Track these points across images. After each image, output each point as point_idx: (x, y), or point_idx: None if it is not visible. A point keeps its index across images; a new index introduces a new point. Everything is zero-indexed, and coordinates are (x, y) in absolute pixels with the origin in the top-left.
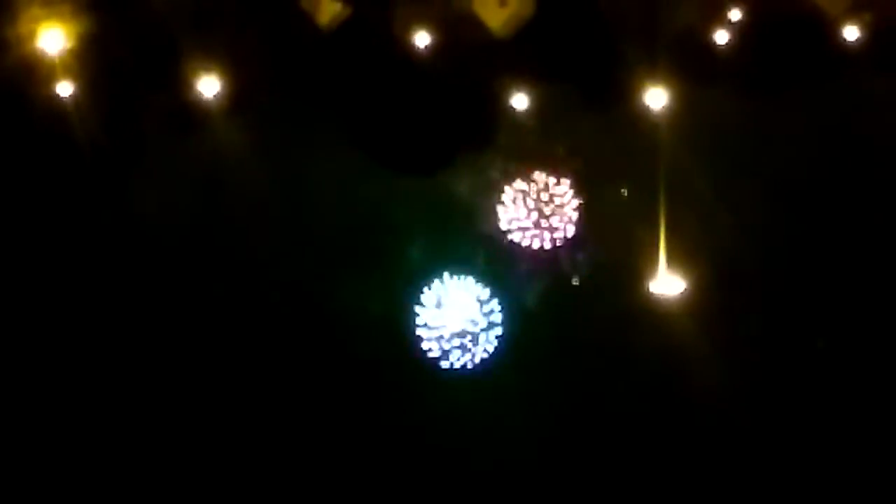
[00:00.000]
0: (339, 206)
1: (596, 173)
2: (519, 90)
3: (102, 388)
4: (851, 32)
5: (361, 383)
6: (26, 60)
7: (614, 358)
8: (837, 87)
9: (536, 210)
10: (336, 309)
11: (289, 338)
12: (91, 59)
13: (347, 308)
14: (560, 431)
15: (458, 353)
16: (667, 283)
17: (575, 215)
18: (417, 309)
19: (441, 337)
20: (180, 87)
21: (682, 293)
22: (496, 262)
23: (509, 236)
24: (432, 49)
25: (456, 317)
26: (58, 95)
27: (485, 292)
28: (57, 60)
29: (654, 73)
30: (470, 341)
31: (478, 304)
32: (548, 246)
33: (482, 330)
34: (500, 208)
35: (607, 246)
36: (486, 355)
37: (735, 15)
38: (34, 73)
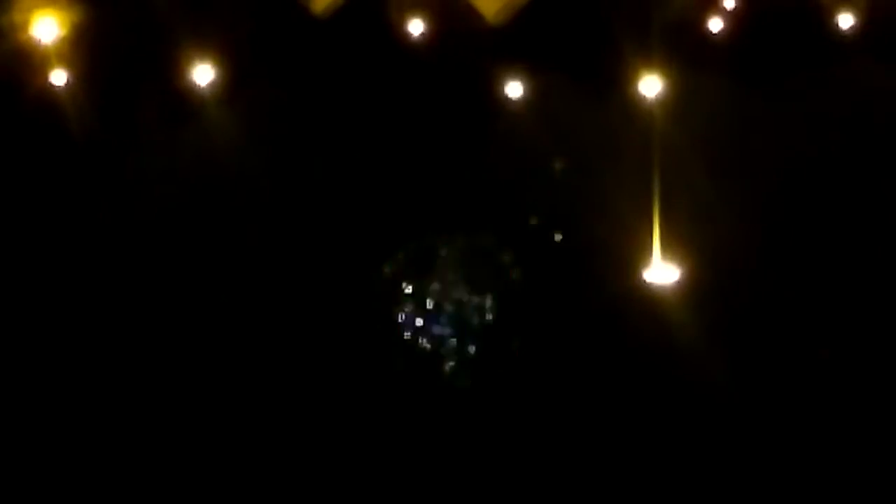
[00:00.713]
0: (333, 194)
1: (590, 161)
2: (513, 78)
3: (101, 379)
4: (846, 20)
5: (361, 384)
6: (20, 49)
7: (607, 347)
8: (832, 75)
9: None
10: (333, 299)
11: (286, 334)
12: (85, 47)
13: (343, 299)
14: (552, 421)
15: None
16: (661, 272)
17: None
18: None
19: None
20: (174, 76)
21: (676, 282)
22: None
23: None
24: (426, 37)
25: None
26: (52, 84)
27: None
28: (51, 49)
29: (649, 61)
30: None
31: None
32: None
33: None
34: None
35: (600, 234)
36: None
37: (729, 3)
38: (28, 61)
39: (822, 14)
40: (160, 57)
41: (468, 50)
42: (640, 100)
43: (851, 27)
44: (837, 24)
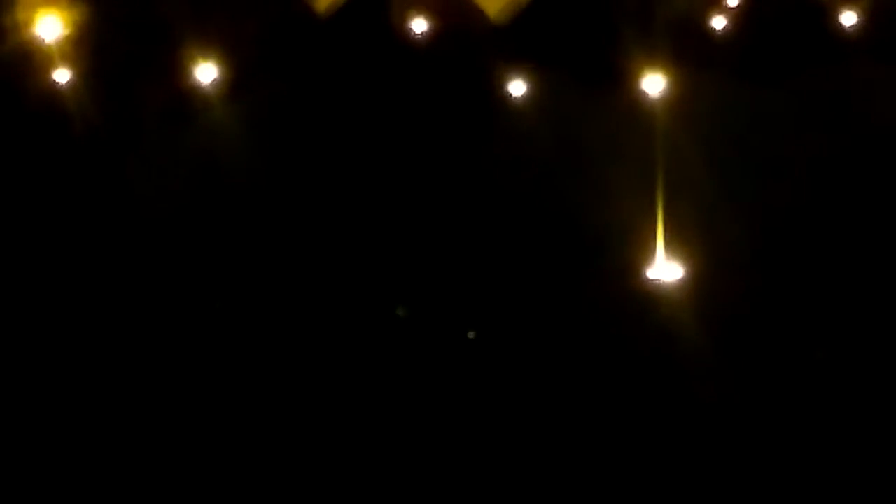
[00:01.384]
0: (335, 192)
1: (593, 160)
2: (516, 76)
3: (105, 377)
4: (849, 17)
5: (360, 382)
6: (23, 48)
7: (610, 345)
8: (836, 73)
9: None
10: (332, 300)
11: (285, 332)
12: (88, 46)
13: (344, 300)
14: (554, 420)
15: None
16: (665, 270)
17: None
18: None
19: None
20: (178, 74)
21: (680, 280)
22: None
23: None
24: (429, 35)
25: None
26: (55, 83)
27: None
28: (54, 47)
29: (652, 58)
30: None
31: None
32: None
33: None
34: None
35: (603, 232)
36: None
37: (733, 0)
38: (31, 60)
39: (826, 12)
40: (163, 55)
41: (471, 48)
42: (644, 98)
43: (855, 25)
44: (841, 22)
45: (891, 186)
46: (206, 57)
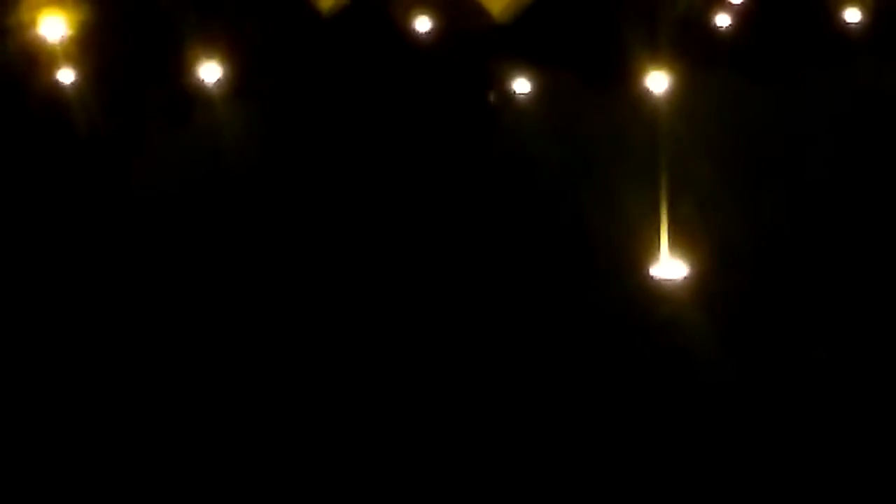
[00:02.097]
0: (339, 190)
1: (597, 157)
2: (520, 75)
3: (110, 375)
4: (853, 15)
5: (358, 381)
6: (27, 48)
7: (615, 342)
8: (838, 71)
9: None
10: (334, 297)
11: (286, 330)
12: (92, 46)
13: (347, 296)
14: (558, 416)
15: None
16: (669, 268)
17: None
18: None
19: None
20: (181, 74)
21: (684, 278)
22: None
23: None
24: (433, 34)
25: None
26: (59, 82)
27: None
28: (58, 48)
29: (656, 57)
30: None
31: None
32: None
33: None
34: None
35: (607, 230)
36: None
37: None
38: (35, 60)
39: (830, 10)
40: (167, 55)
41: (474, 47)
42: (647, 96)
43: (859, 23)
44: (845, 21)
45: (894, 184)
46: (210, 56)
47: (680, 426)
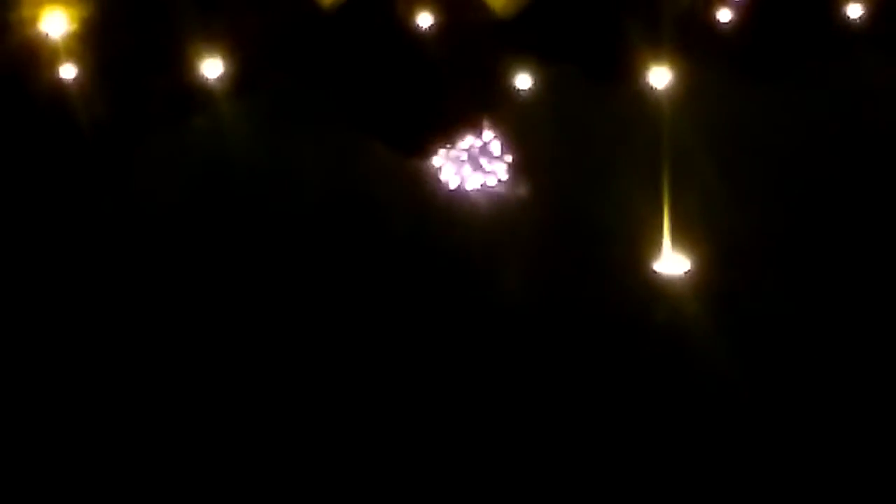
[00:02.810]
0: (341, 188)
1: (599, 153)
2: (522, 70)
3: (114, 372)
4: (854, 10)
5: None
6: (29, 44)
7: (617, 337)
8: (840, 66)
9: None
10: (335, 293)
11: (287, 327)
12: (94, 42)
13: (348, 292)
14: (561, 411)
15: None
16: (671, 263)
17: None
18: None
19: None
20: (183, 70)
21: (686, 273)
22: None
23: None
24: (434, 29)
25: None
26: (61, 78)
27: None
28: (60, 43)
29: (658, 52)
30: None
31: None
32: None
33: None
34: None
35: (610, 225)
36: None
37: None
38: (37, 56)
39: (831, 5)
40: (169, 51)
41: (476, 43)
42: (650, 91)
43: (860, 18)
44: (847, 16)
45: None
46: (212, 52)
47: (681, 420)
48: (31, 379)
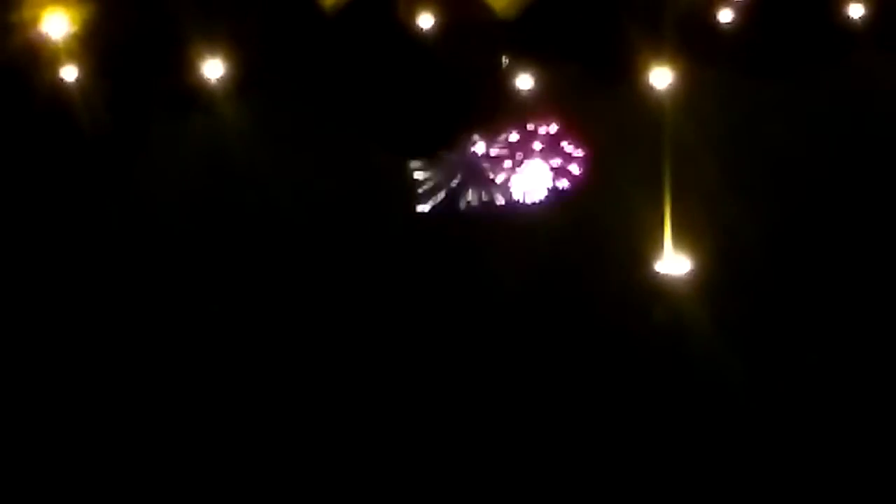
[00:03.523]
0: (342, 187)
1: (601, 153)
2: (523, 71)
3: (118, 370)
4: (856, 10)
5: (356, 376)
6: (31, 45)
7: (618, 337)
8: (842, 66)
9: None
10: (336, 292)
11: (288, 326)
12: (95, 43)
13: (349, 291)
14: (562, 409)
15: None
16: (672, 263)
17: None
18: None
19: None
20: (185, 71)
21: (687, 273)
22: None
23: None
24: (436, 30)
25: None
26: (62, 80)
27: None
28: (61, 45)
29: (659, 52)
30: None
31: None
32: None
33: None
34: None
35: (612, 225)
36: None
37: None
38: (39, 57)
39: (832, 5)
40: (171, 52)
41: (478, 44)
42: (651, 91)
43: (862, 18)
44: (848, 16)
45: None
46: (213, 54)
47: (681, 418)
48: (35, 376)
